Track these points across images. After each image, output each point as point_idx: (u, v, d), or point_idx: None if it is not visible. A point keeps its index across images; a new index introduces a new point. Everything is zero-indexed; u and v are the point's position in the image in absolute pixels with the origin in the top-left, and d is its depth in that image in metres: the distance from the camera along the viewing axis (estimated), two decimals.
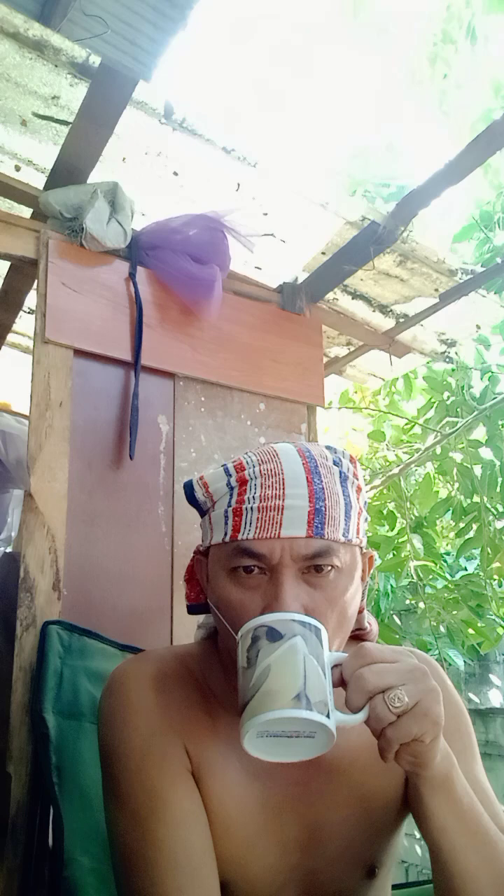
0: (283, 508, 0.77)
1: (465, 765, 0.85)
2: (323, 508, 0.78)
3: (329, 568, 0.78)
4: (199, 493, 0.85)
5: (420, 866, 3.44)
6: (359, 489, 0.85)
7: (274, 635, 0.69)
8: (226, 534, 0.79)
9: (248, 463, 0.81)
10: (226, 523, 0.80)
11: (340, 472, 0.82)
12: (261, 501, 0.78)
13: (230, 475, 0.82)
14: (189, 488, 0.86)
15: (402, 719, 0.67)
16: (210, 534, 0.83)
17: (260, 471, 0.80)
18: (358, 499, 0.84)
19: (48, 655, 1.24)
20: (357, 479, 0.85)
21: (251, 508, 0.78)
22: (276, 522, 0.77)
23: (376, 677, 0.68)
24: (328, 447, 0.86)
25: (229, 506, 0.80)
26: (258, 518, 0.77)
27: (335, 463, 0.83)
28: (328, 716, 0.67)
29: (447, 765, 0.74)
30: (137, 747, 0.80)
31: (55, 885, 1.02)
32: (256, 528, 0.77)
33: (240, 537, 0.78)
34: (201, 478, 0.85)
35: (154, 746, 0.80)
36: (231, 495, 0.80)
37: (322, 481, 0.79)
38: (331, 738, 0.67)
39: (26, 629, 1.30)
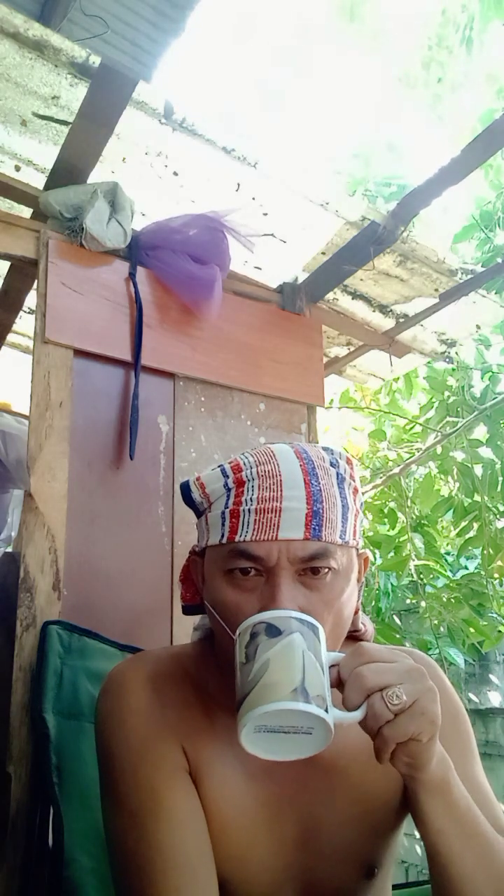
0: (280, 511, 0.77)
1: (465, 766, 0.85)
2: (320, 511, 0.78)
3: (326, 570, 0.78)
4: (196, 494, 0.84)
5: (420, 866, 3.44)
6: (355, 491, 0.85)
7: (273, 631, 0.70)
8: (222, 535, 0.79)
9: (245, 464, 0.81)
10: (222, 525, 0.79)
11: (338, 474, 0.82)
12: (258, 503, 0.77)
13: (227, 476, 0.81)
14: (186, 489, 0.85)
15: (399, 718, 0.67)
16: (206, 535, 0.82)
17: (257, 472, 0.79)
18: (355, 500, 0.84)
19: (48, 655, 1.24)
20: (354, 481, 0.85)
21: (248, 510, 0.77)
22: (274, 525, 0.76)
23: (375, 676, 0.68)
24: (325, 448, 0.85)
25: (226, 507, 0.80)
26: (255, 520, 0.77)
27: (332, 464, 0.83)
28: (326, 710, 0.67)
29: (443, 768, 0.74)
30: (135, 748, 0.80)
31: (55, 885, 1.02)
32: (254, 530, 0.77)
33: (237, 539, 0.77)
34: (198, 478, 0.85)
35: (151, 747, 0.80)
36: (228, 497, 0.80)
37: (319, 483, 0.79)
38: (328, 733, 0.67)
39: (26, 629, 1.30)
